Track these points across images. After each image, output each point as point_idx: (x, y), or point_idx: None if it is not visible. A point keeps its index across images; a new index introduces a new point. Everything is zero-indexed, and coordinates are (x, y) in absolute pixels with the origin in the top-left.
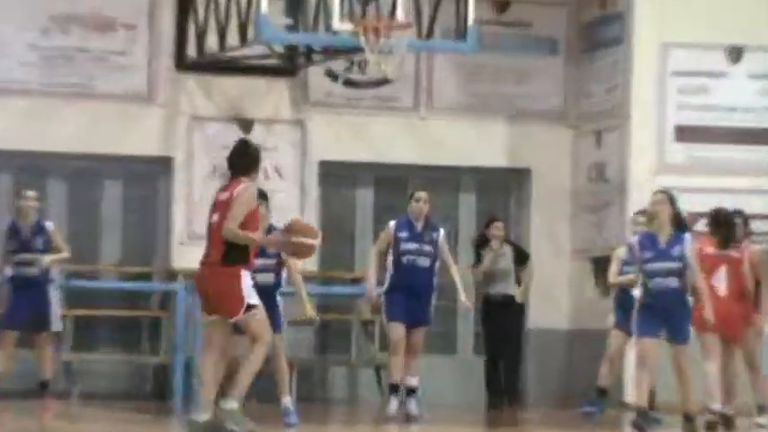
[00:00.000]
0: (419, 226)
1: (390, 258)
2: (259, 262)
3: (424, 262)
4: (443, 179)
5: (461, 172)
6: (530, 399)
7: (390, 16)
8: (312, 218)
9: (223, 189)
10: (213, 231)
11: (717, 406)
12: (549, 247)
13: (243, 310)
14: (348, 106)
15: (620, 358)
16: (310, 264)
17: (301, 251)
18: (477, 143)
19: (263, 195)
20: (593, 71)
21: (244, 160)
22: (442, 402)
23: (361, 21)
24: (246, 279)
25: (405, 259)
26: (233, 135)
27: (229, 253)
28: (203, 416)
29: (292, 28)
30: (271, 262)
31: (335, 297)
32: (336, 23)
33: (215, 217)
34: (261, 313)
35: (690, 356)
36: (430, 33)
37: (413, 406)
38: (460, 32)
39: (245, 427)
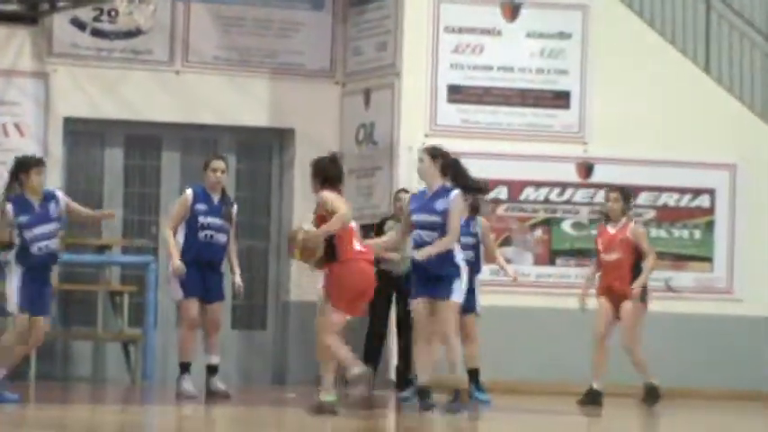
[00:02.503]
0: (216, 198)
1: (183, 231)
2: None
3: (221, 238)
4: (201, 138)
5: (220, 131)
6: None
7: None
8: (56, 180)
9: None
10: None
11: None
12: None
13: None
14: (97, 58)
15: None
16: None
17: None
18: (237, 100)
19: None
20: (361, 26)
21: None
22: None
23: None
24: None
25: (203, 234)
26: None
27: None
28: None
29: None
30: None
31: (81, 266)
32: None
33: None
34: None
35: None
36: None
37: (218, 383)
38: None
39: None
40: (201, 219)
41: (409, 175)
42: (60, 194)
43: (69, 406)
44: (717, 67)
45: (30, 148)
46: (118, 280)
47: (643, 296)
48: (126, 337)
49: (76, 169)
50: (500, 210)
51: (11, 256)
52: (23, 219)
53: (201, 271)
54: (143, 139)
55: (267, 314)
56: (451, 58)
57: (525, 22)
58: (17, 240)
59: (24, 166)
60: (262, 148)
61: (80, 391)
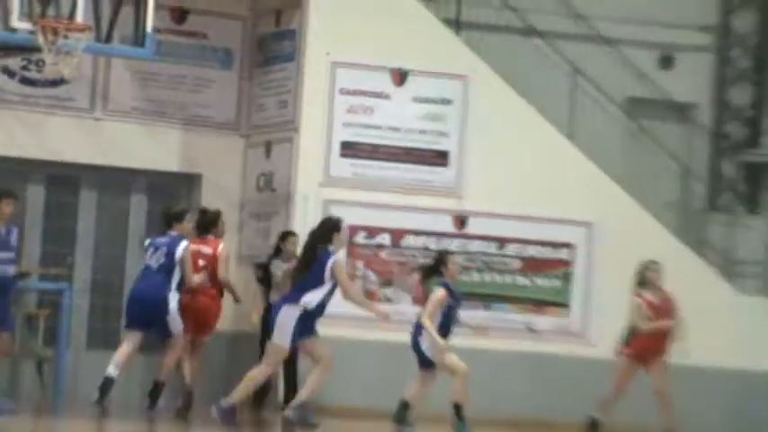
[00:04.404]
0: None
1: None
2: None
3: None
4: (116, 180)
5: (134, 174)
6: None
7: (69, 18)
8: None
9: None
10: None
11: None
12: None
13: None
14: (23, 103)
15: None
16: None
17: None
18: (150, 147)
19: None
20: (265, 84)
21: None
22: None
23: (39, 20)
24: None
25: None
26: None
27: None
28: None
29: None
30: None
31: None
32: (15, 21)
33: None
34: None
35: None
36: (109, 38)
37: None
38: (139, 39)
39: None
40: None
41: (304, 220)
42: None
43: None
44: (580, 135)
45: None
46: (34, 304)
47: None
48: (40, 356)
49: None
50: (383, 254)
51: None
52: None
53: None
54: (63, 179)
55: None
56: (345, 117)
57: (411, 87)
58: None
59: None
60: (171, 191)
61: None
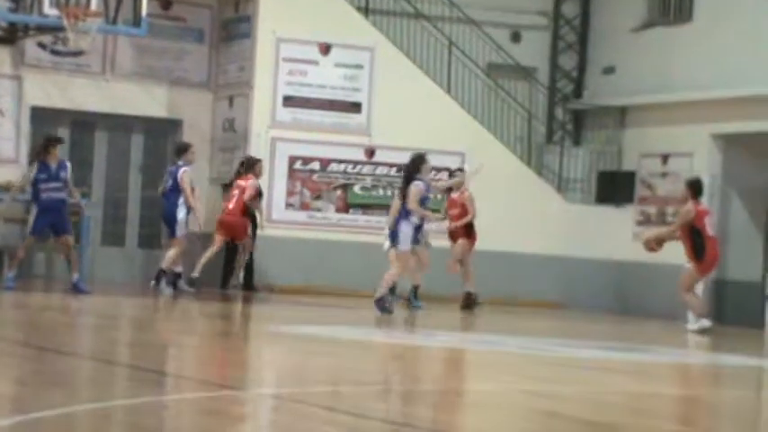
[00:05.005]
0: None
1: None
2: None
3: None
4: (121, 124)
5: (134, 120)
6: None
7: (86, 6)
8: (24, 149)
9: None
10: None
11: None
12: (193, 175)
13: None
14: (53, 69)
15: None
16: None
17: None
18: (145, 100)
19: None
20: (229, 55)
21: None
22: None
23: (64, 8)
24: None
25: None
26: None
27: None
28: None
29: (13, 10)
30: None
31: None
32: (46, 9)
33: None
34: None
35: None
36: (114, 20)
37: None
38: (136, 21)
39: None
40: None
41: (257, 152)
42: (68, 164)
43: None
44: (455, 91)
45: (6, 126)
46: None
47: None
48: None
49: (39, 141)
50: (314, 177)
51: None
52: (41, 176)
53: None
54: (82, 123)
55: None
56: (286, 78)
57: (333, 57)
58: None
59: (48, 142)
60: (161, 132)
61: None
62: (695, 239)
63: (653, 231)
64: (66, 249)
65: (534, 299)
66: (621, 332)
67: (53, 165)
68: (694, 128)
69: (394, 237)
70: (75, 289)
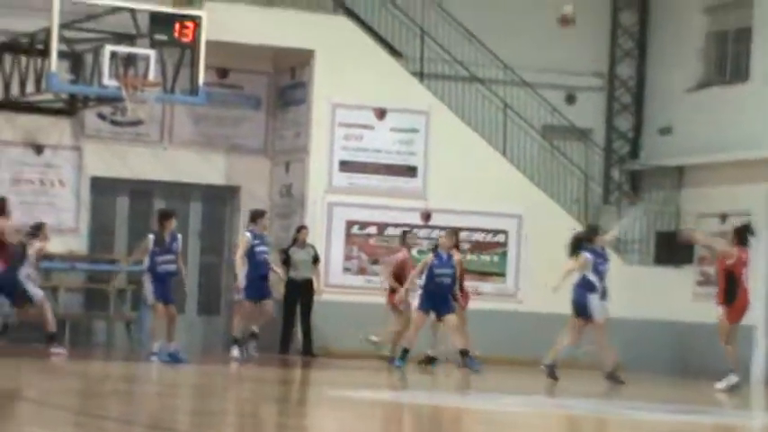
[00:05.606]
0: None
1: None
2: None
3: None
4: (180, 192)
5: (191, 187)
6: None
7: (144, 76)
8: (86, 217)
9: None
10: None
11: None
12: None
13: None
14: (113, 139)
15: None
16: (82, 248)
17: None
18: (203, 167)
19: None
20: (285, 121)
21: None
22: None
23: (123, 78)
24: None
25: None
26: (31, 156)
27: None
28: None
29: (74, 81)
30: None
31: (100, 272)
32: (105, 80)
33: None
34: None
35: None
36: (172, 89)
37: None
38: (194, 90)
39: None
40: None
41: (313, 218)
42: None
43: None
44: (510, 153)
45: (66, 197)
46: (125, 281)
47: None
48: (127, 319)
49: (98, 210)
50: (371, 241)
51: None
52: (156, 249)
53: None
54: (141, 192)
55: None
56: (342, 143)
57: (389, 121)
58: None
59: (163, 216)
60: (219, 199)
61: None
62: (729, 284)
63: (704, 234)
64: (171, 319)
65: (594, 360)
66: (684, 394)
67: (167, 237)
68: (751, 187)
69: (584, 308)
70: (173, 358)
